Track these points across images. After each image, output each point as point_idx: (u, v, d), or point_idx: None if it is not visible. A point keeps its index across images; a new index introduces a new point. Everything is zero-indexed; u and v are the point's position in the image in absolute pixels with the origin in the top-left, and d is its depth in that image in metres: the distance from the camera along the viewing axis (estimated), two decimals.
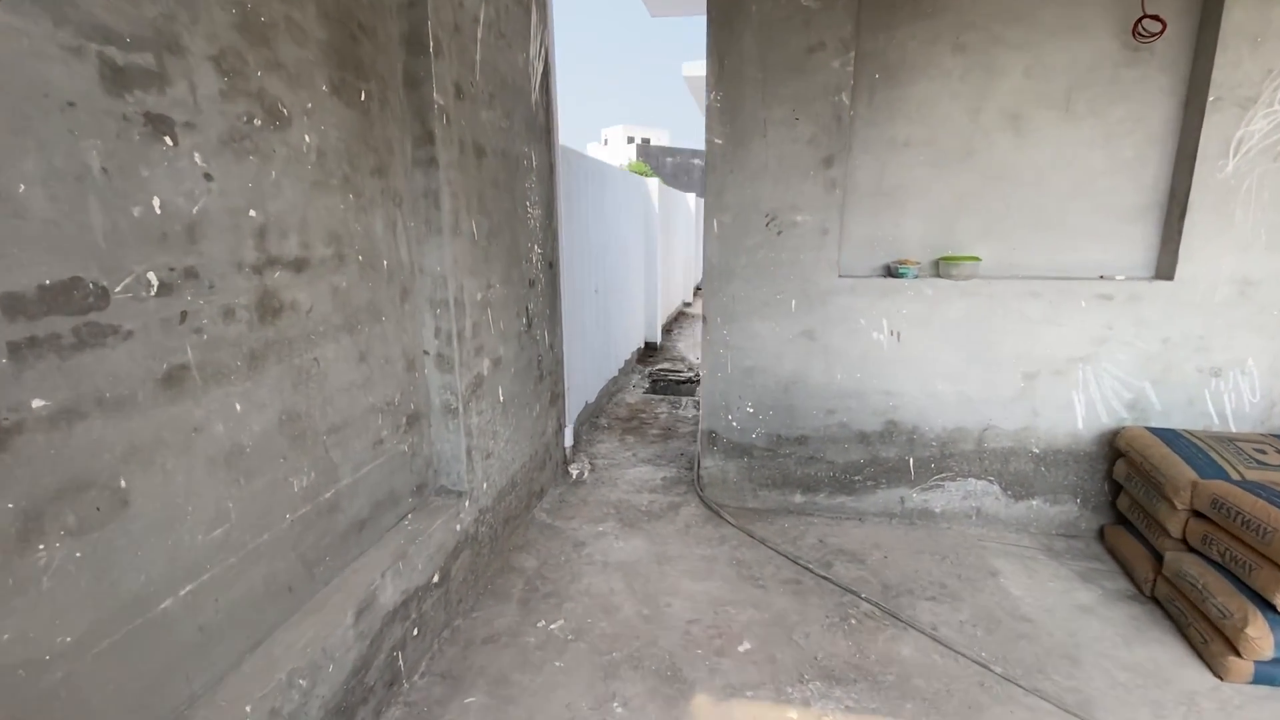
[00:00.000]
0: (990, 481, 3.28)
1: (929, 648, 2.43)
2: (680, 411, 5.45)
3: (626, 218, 6.29)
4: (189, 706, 1.51)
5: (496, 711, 2.13)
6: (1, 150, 1.11)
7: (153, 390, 1.40)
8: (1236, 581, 2.33)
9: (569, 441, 4.15)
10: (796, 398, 3.36)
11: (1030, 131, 3.03)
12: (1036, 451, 3.20)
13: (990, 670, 2.30)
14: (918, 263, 3.17)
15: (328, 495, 1.99)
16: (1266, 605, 2.20)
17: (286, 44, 1.75)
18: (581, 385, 4.70)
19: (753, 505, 3.55)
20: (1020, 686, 2.24)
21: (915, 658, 2.38)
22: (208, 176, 1.52)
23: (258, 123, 1.66)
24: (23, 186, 1.15)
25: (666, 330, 9.09)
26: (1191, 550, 2.58)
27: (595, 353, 5.18)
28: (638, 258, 6.97)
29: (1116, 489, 3.15)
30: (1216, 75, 2.72)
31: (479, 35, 2.65)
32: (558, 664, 2.34)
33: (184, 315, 1.47)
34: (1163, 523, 2.68)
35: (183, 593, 1.49)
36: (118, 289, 1.31)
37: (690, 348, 8.41)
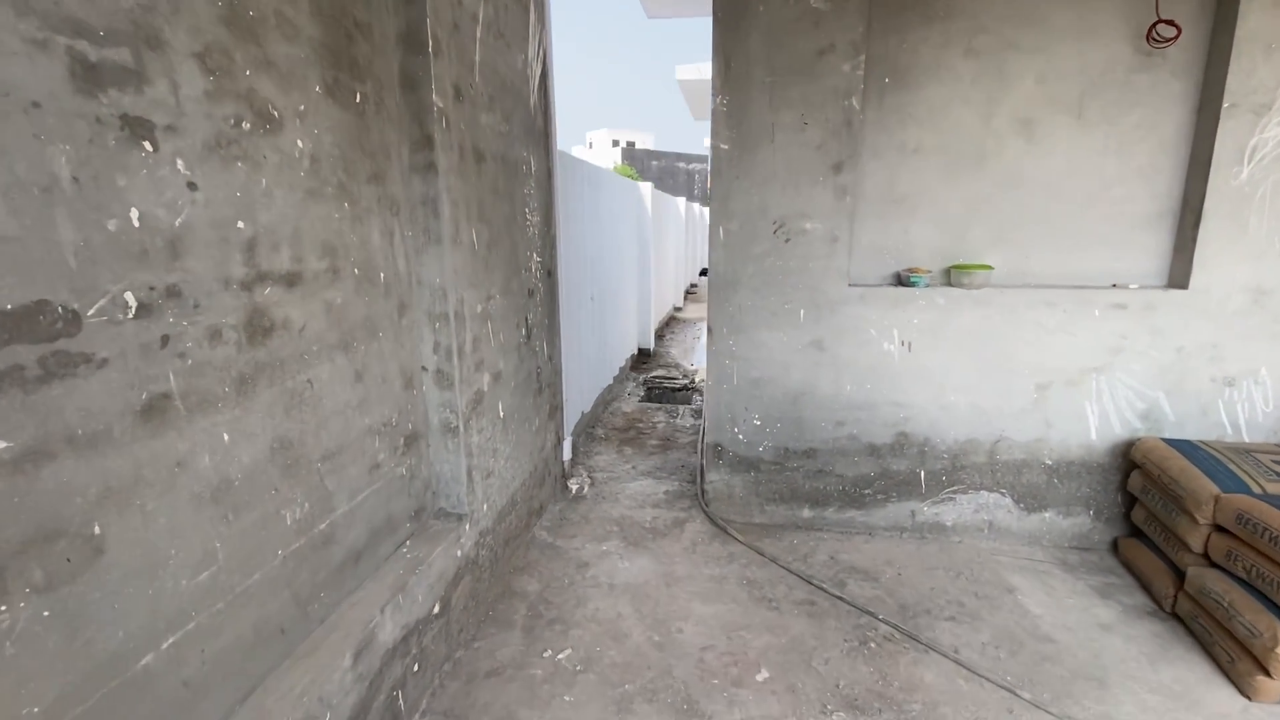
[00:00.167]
0: (1002, 494, 3.21)
1: (952, 672, 2.34)
2: (678, 421, 5.34)
3: (620, 223, 6.18)
4: None
5: None
6: None
7: (131, 424, 1.25)
8: (1264, 599, 2.27)
9: (567, 455, 4.03)
10: (805, 410, 3.27)
11: (1042, 138, 2.97)
12: (1049, 463, 3.14)
13: (1018, 696, 2.22)
14: (929, 271, 3.10)
15: (322, 526, 1.85)
16: None
17: (277, 41, 1.62)
18: (578, 395, 4.57)
19: (760, 520, 3.45)
20: (1049, 713, 2.16)
21: (940, 683, 2.29)
22: (192, 185, 1.38)
23: (246, 126, 1.52)
24: None
25: (659, 336, 8.99)
26: (1214, 566, 2.52)
27: (591, 361, 5.05)
28: (631, 263, 6.86)
29: (1130, 501, 3.09)
30: (1231, 82, 2.68)
31: (478, 35, 2.53)
32: (567, 698, 2.22)
33: (166, 339, 1.32)
34: (1183, 537, 2.62)
35: (165, 646, 1.34)
36: (90, 312, 1.17)
37: (683, 354, 8.31)
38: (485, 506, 2.70)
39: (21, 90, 1.05)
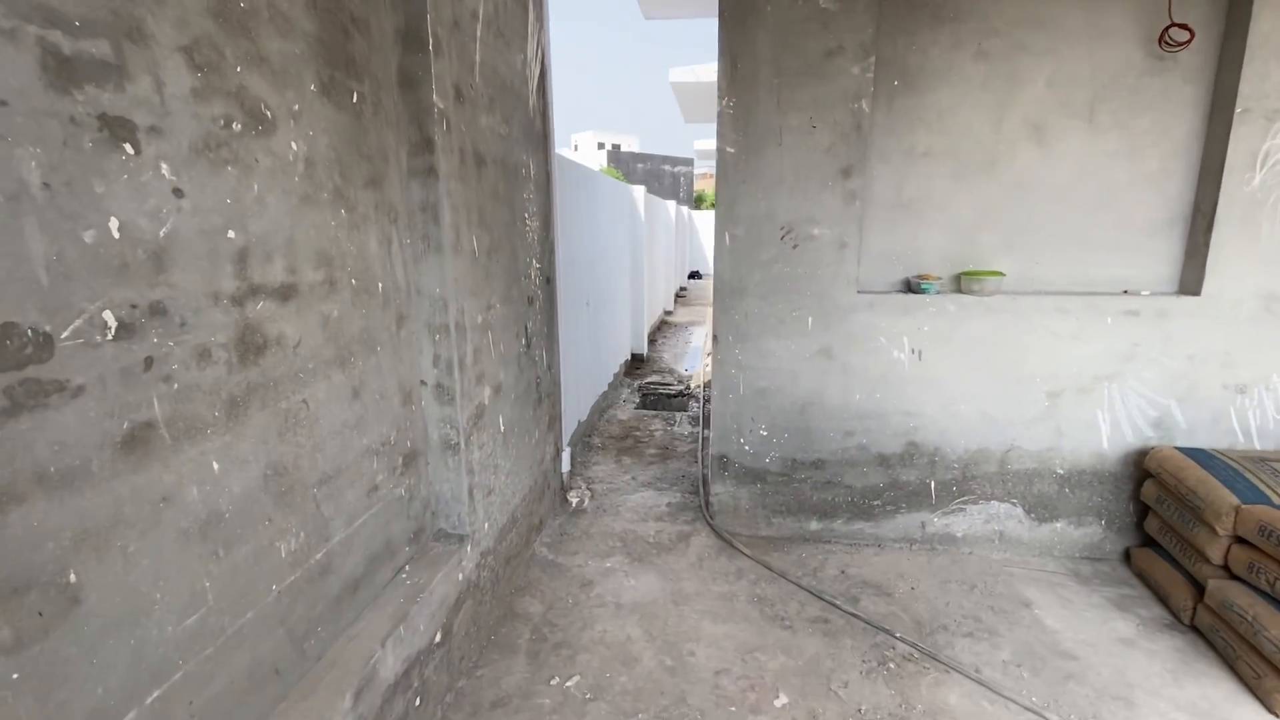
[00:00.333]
0: (1013, 504, 3.15)
1: (976, 693, 2.27)
2: (676, 428, 5.24)
3: (615, 227, 6.08)
4: None
5: None
6: None
7: (111, 457, 1.13)
8: None
9: (566, 466, 3.91)
10: (813, 419, 3.19)
11: (1053, 142, 2.93)
12: (1061, 472, 3.09)
13: (1045, 718, 2.15)
14: (939, 278, 3.03)
15: (319, 556, 1.72)
16: None
17: (270, 36, 1.50)
18: (575, 403, 4.46)
19: (766, 533, 3.36)
20: None
21: (964, 706, 2.21)
22: (178, 192, 1.25)
23: (237, 127, 1.40)
24: None
25: (651, 341, 8.89)
26: (1235, 578, 2.48)
27: (587, 368, 4.94)
28: (625, 267, 6.77)
29: (1143, 510, 3.05)
30: (1243, 87, 2.65)
31: (478, 33, 2.42)
32: None
33: (149, 361, 1.20)
34: (1201, 548, 2.57)
35: (150, 700, 1.22)
36: (64, 334, 1.05)
37: (675, 358, 8.22)
38: (486, 525, 2.58)
39: None
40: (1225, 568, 2.51)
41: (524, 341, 3.03)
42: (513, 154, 2.82)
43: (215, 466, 1.36)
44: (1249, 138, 2.68)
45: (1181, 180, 2.89)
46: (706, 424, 5.24)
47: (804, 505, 3.30)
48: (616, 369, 6.38)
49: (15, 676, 0.98)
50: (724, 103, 2.95)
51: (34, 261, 1.00)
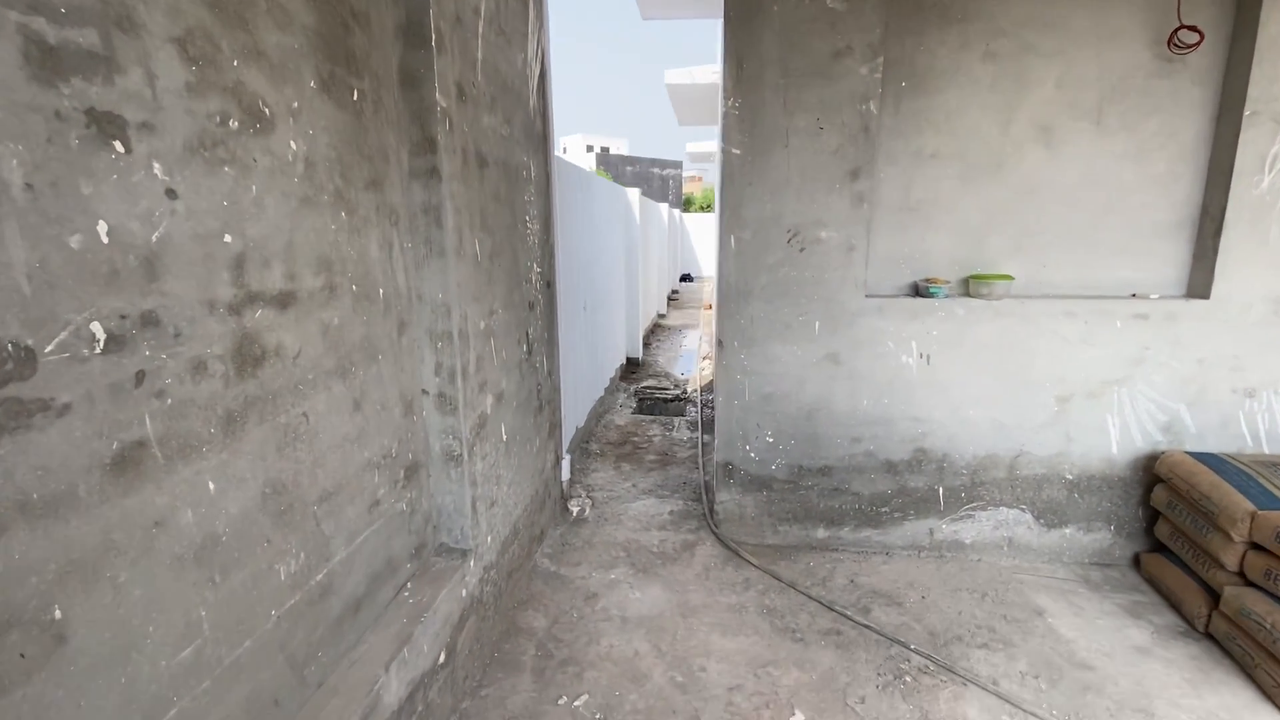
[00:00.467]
0: (1022, 510, 3.12)
1: (996, 707, 2.21)
2: (674, 434, 5.17)
3: (611, 230, 6.02)
4: None
5: None
6: None
7: (99, 480, 1.04)
8: None
9: (566, 474, 3.83)
10: (820, 426, 3.13)
11: (1061, 144, 2.90)
12: (1070, 478, 3.06)
13: None
14: (947, 281, 2.99)
15: (319, 577, 1.64)
16: None
17: (268, 28, 1.41)
18: (572, 409, 4.38)
19: (772, 541, 3.30)
20: None
21: None
22: (171, 193, 1.17)
23: (234, 125, 1.32)
24: None
25: (645, 344, 8.82)
26: (1251, 585, 2.45)
27: (584, 373, 4.87)
28: (620, 270, 6.70)
29: (1152, 516, 3.02)
30: (1252, 90, 2.64)
31: (480, 30, 2.34)
32: None
33: (141, 376, 1.11)
34: (1215, 555, 2.54)
35: None
36: (49, 348, 0.96)
37: (671, 362, 8.16)
38: (489, 538, 2.50)
39: None
40: (1240, 574, 2.48)
41: (525, 347, 2.95)
42: (514, 155, 2.74)
43: (211, 486, 1.27)
44: (1258, 140, 2.67)
45: (1189, 183, 2.87)
46: (705, 429, 5.18)
47: (811, 513, 3.24)
48: (612, 373, 6.30)
49: None
50: (729, 104, 2.89)
51: (15, 269, 0.91)
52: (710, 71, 6.24)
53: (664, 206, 11.75)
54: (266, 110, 1.41)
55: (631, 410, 5.87)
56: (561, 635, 2.60)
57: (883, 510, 3.19)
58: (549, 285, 3.35)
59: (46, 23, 0.95)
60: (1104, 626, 2.65)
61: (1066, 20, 2.78)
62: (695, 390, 6.46)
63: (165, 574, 1.17)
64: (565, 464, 3.82)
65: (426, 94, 1.98)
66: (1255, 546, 2.43)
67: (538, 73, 3.08)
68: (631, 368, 7.49)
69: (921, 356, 3.01)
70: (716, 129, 9.70)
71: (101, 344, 1.04)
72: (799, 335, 3.05)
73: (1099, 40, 2.78)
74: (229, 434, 1.32)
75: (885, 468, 3.15)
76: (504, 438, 2.66)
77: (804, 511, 3.24)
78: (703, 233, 20.54)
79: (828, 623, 2.67)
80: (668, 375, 7.28)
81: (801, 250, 2.97)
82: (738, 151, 2.92)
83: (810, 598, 2.84)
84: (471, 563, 2.31)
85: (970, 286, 3.00)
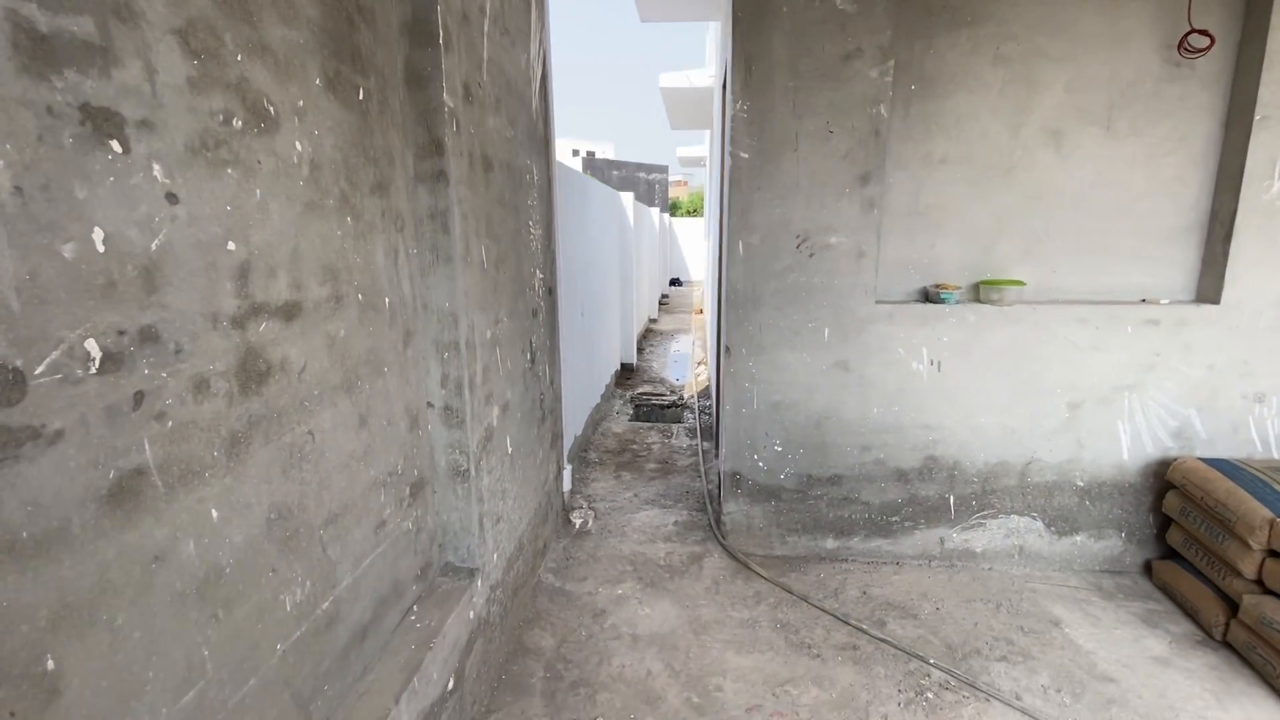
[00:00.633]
0: (1033, 518, 3.08)
1: None
2: (673, 441, 5.10)
3: (606, 234, 5.94)
4: None
5: None
6: None
7: (95, 514, 0.94)
8: None
9: (567, 485, 3.74)
10: (829, 434, 3.08)
11: (1071, 149, 2.88)
12: (1081, 484, 3.03)
13: None
14: (958, 287, 2.95)
15: (325, 606, 1.54)
16: None
17: (273, 21, 1.32)
18: (571, 417, 4.29)
19: (781, 553, 3.23)
20: None
21: None
22: (171, 197, 1.07)
23: (237, 124, 1.22)
24: None
25: (639, 349, 8.75)
26: (1270, 593, 2.42)
27: (582, 380, 4.78)
28: (614, 275, 6.62)
29: (1164, 522, 3.00)
30: (1263, 94, 2.63)
31: (485, 29, 2.26)
32: None
33: (139, 397, 1.02)
34: (1233, 563, 2.52)
35: None
36: (39, 370, 0.86)
37: (664, 367, 8.10)
38: (495, 556, 2.41)
39: None
40: (1259, 582, 2.46)
41: (529, 356, 2.86)
42: (518, 158, 2.66)
43: (214, 515, 1.18)
44: (1268, 145, 2.66)
45: (1198, 188, 2.86)
46: (704, 436, 5.11)
47: (820, 523, 3.18)
48: (608, 379, 6.22)
49: None
50: (738, 106, 2.83)
51: (3, 283, 0.81)
52: (707, 75, 6.20)
53: (655, 210, 11.70)
54: (271, 109, 1.32)
55: (628, 417, 5.79)
56: (570, 655, 2.51)
57: (893, 519, 3.14)
58: (550, 292, 3.27)
59: (38, 8, 0.85)
60: (1121, 636, 2.61)
61: (1077, 24, 2.76)
62: (692, 396, 6.39)
63: (166, 613, 1.07)
64: (567, 474, 3.73)
65: (434, 94, 1.90)
66: (1274, 554, 2.41)
67: (539, 74, 3.00)
68: (626, 373, 7.41)
69: (932, 363, 2.96)
70: (707, 133, 9.65)
71: (97, 363, 0.94)
72: (808, 342, 2.99)
73: (1109, 44, 2.77)
74: (233, 457, 1.22)
75: (896, 476, 3.10)
76: (509, 450, 2.57)
77: (813, 522, 3.18)
78: (690, 237, 20.54)
79: (843, 637, 2.61)
80: (663, 381, 7.22)
81: (811, 256, 2.91)
82: (746, 155, 2.86)
83: (824, 611, 2.77)
84: (479, 582, 2.22)
85: (981, 292, 2.97)
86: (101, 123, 0.94)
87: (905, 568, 3.13)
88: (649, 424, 5.61)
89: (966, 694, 2.30)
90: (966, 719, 2.18)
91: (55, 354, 0.88)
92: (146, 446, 1.03)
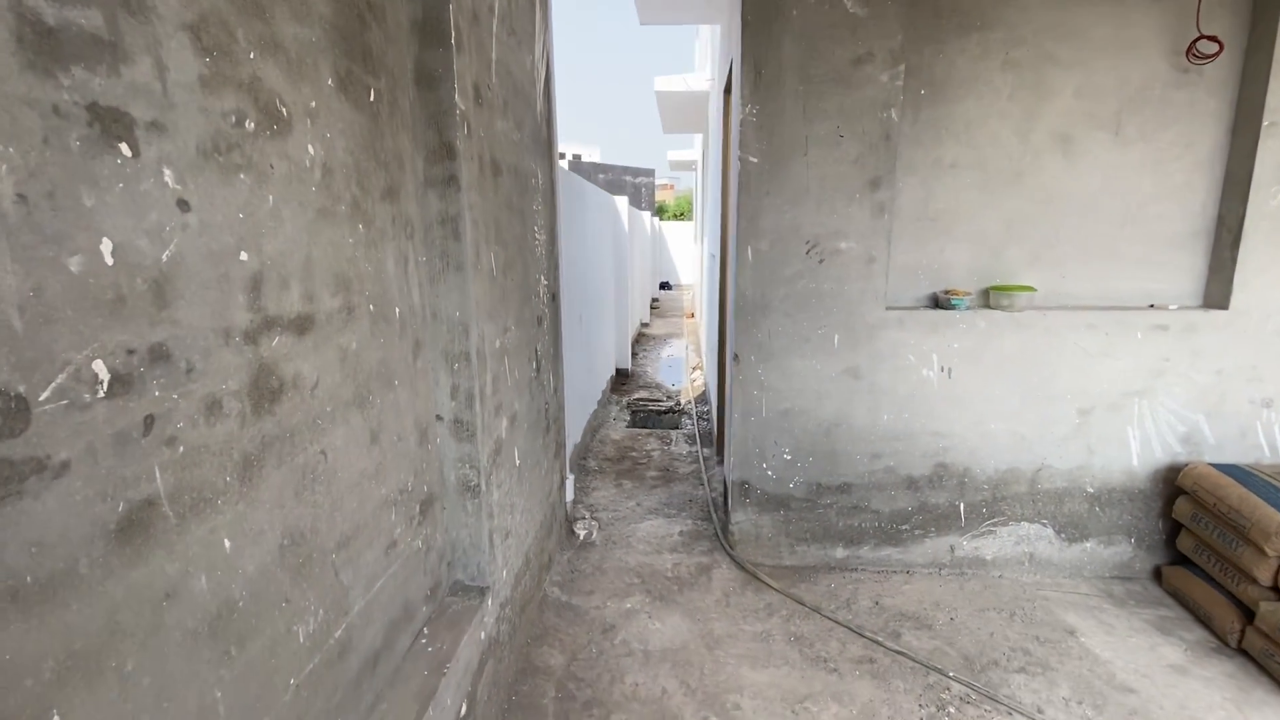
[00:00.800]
0: (1044, 525, 3.06)
1: None
2: (672, 448, 5.04)
3: (602, 238, 5.88)
4: None
5: None
6: None
7: (103, 552, 0.86)
8: None
9: (570, 495, 3.66)
10: (839, 442, 3.03)
11: (1080, 154, 2.87)
12: (1091, 491, 3.01)
13: None
14: (968, 293, 2.93)
15: (338, 634, 1.45)
16: None
17: (285, 17, 1.25)
18: (571, 425, 4.21)
19: (790, 562, 3.18)
20: None
21: None
22: (183, 204, 1.00)
23: (250, 126, 1.15)
24: None
25: (632, 354, 8.69)
26: None
27: (580, 387, 4.71)
28: (609, 279, 6.56)
29: (1173, 528, 3.00)
30: (1270, 100, 2.64)
31: (494, 28, 2.19)
32: None
33: (150, 421, 0.94)
34: (1247, 569, 2.51)
35: None
36: (43, 395, 0.78)
37: (658, 372, 8.04)
38: (505, 573, 2.33)
39: None
40: (1275, 589, 2.45)
41: (534, 365, 2.79)
42: (524, 162, 2.59)
43: (227, 545, 1.10)
44: (1276, 151, 2.67)
45: (1205, 194, 2.87)
46: (704, 443, 5.06)
47: (829, 532, 3.14)
48: (604, 385, 6.15)
49: None
50: (746, 110, 2.79)
51: (4, 300, 0.74)
52: (703, 79, 6.17)
53: (646, 214, 11.66)
54: (284, 110, 1.25)
55: (626, 424, 5.72)
56: (581, 674, 2.44)
57: (903, 528, 3.11)
58: (554, 298, 3.20)
59: (45, 1, 0.78)
60: (1137, 645, 2.59)
61: (1086, 29, 2.75)
62: (689, 402, 6.34)
63: (177, 655, 0.99)
64: (570, 484, 3.65)
65: (445, 96, 1.83)
66: None
67: (544, 75, 2.94)
68: (621, 379, 7.35)
69: (943, 370, 2.94)
70: (699, 137, 9.60)
71: (105, 386, 0.86)
72: (818, 349, 2.95)
73: (1118, 50, 2.76)
74: (246, 481, 1.14)
75: (906, 484, 3.06)
76: (517, 463, 2.50)
77: (823, 531, 3.14)
78: (679, 241, 20.53)
79: (859, 650, 2.56)
80: (659, 386, 7.16)
81: (821, 262, 2.88)
82: (755, 160, 2.82)
83: (838, 623, 2.73)
84: (489, 601, 2.14)
85: (991, 298, 2.95)
86: (110, 124, 0.87)
87: (916, 576, 3.10)
88: (647, 430, 5.54)
89: (988, 708, 2.26)
90: None
91: (61, 378, 0.80)
92: (157, 474, 0.95)
